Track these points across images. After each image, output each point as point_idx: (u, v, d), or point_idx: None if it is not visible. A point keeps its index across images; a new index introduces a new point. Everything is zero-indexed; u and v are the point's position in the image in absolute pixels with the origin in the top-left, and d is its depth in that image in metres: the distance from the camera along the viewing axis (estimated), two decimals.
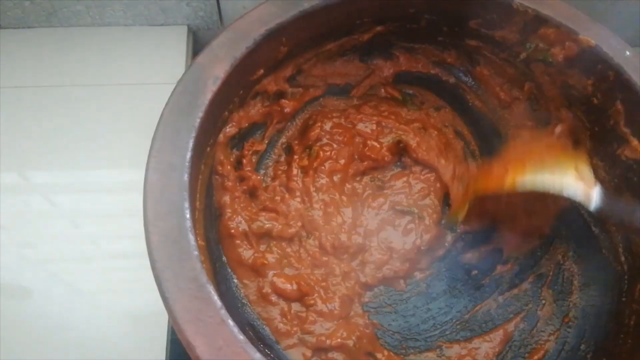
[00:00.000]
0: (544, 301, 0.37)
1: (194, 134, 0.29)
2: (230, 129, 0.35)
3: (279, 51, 0.35)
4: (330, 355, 0.33)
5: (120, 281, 0.39)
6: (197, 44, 0.52)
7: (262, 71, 0.35)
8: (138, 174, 0.28)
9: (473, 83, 0.41)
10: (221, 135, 0.34)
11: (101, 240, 0.41)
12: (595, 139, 0.37)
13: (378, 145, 0.40)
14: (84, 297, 0.38)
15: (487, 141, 0.42)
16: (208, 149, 0.33)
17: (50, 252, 0.40)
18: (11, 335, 0.36)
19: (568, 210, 0.36)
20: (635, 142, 0.33)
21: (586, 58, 0.34)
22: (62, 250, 0.40)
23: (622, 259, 0.34)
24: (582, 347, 0.34)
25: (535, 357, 0.35)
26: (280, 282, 0.34)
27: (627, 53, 0.33)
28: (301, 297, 0.35)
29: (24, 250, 0.39)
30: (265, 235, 0.36)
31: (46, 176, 0.43)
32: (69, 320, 0.37)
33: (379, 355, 0.34)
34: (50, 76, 0.47)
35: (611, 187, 0.36)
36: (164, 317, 0.37)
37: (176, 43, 0.50)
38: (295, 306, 0.34)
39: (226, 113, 0.34)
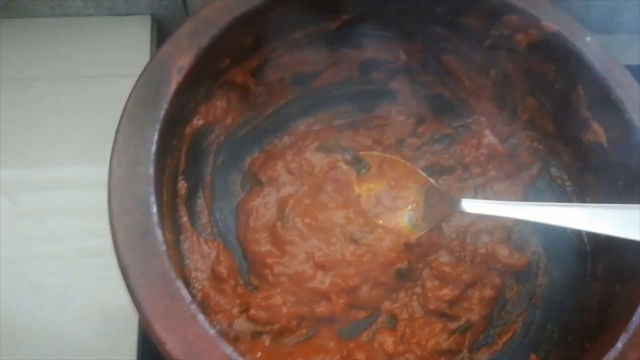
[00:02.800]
0: (510, 285, 0.38)
1: (158, 127, 0.28)
2: (197, 121, 0.34)
3: (245, 40, 0.34)
4: None
5: (88, 279, 0.38)
6: (161, 34, 0.51)
7: (228, 61, 0.34)
8: (103, 169, 0.27)
9: (439, 71, 0.41)
10: (188, 128, 0.34)
11: (67, 238, 0.40)
12: (558, 124, 0.38)
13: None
14: (50, 296, 0.37)
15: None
16: (174, 141, 0.32)
17: (14, 251, 0.39)
18: None
19: None
20: (595, 125, 0.34)
21: (549, 44, 0.35)
22: (27, 249, 0.39)
23: (586, 240, 0.35)
24: (549, 326, 0.35)
25: (505, 337, 0.36)
26: None
27: (588, 39, 0.34)
28: None
29: None
30: None
31: (7, 173, 0.42)
32: (36, 320, 0.36)
33: None
34: (9, 69, 0.46)
35: (574, 170, 0.37)
36: (134, 316, 0.36)
37: (140, 33, 0.49)
38: None
39: (192, 104, 0.33)
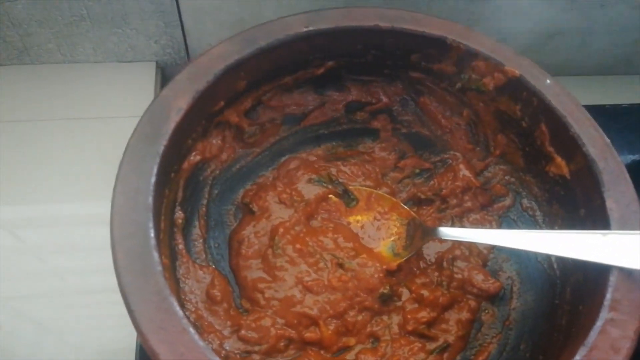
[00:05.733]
0: (486, 308, 0.40)
1: (158, 160, 0.31)
2: (194, 157, 0.37)
3: (238, 84, 0.38)
4: None
5: (87, 317, 0.39)
6: (165, 79, 0.55)
7: (222, 103, 0.38)
8: (105, 207, 0.29)
9: (417, 111, 0.45)
10: (186, 163, 0.37)
11: (68, 275, 0.41)
12: (527, 158, 0.41)
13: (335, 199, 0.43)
14: (51, 334, 0.38)
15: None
16: (172, 174, 0.35)
17: (15, 288, 0.40)
18: None
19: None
20: (558, 159, 0.37)
21: (513, 86, 0.38)
22: (29, 286, 0.40)
23: (555, 265, 0.38)
24: (522, 347, 0.36)
25: (480, 358, 0.37)
26: None
27: (547, 81, 0.37)
28: None
29: None
30: None
31: (11, 211, 0.43)
32: (36, 358, 0.37)
33: None
34: (21, 111, 0.49)
35: (543, 200, 0.40)
36: (132, 354, 0.38)
37: (145, 78, 0.53)
38: None
39: (190, 141, 0.37)
